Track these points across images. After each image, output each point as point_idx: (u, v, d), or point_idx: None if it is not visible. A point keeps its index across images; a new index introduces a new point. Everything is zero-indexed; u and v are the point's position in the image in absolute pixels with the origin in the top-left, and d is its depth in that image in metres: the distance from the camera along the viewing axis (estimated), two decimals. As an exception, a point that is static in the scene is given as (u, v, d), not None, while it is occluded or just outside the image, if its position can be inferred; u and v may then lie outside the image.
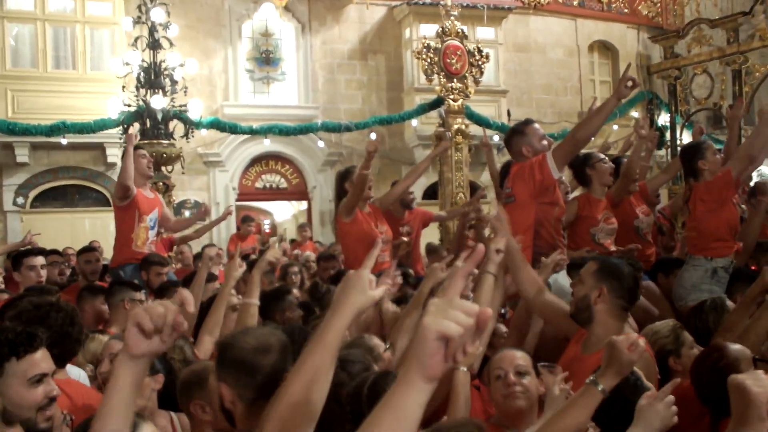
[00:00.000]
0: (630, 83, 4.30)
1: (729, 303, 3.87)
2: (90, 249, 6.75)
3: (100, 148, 12.38)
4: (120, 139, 9.91)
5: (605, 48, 17.15)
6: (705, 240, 5.10)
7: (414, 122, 12.53)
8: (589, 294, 3.17)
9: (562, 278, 4.29)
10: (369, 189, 5.61)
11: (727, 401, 2.83)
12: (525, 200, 4.53)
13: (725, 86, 15.38)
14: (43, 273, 5.82)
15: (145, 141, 9.57)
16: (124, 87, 9.80)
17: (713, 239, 5.02)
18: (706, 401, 2.94)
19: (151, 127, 9.60)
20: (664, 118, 16.48)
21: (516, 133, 4.83)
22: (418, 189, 14.38)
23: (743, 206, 6.16)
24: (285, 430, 1.75)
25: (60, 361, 3.08)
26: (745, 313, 3.58)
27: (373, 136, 13.26)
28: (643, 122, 5.89)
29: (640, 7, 17.02)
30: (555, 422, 2.18)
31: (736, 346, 2.97)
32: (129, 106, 9.66)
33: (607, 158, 5.56)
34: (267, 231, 18.07)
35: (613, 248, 5.29)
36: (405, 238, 6.04)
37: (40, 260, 5.83)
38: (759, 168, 7.31)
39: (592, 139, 4.74)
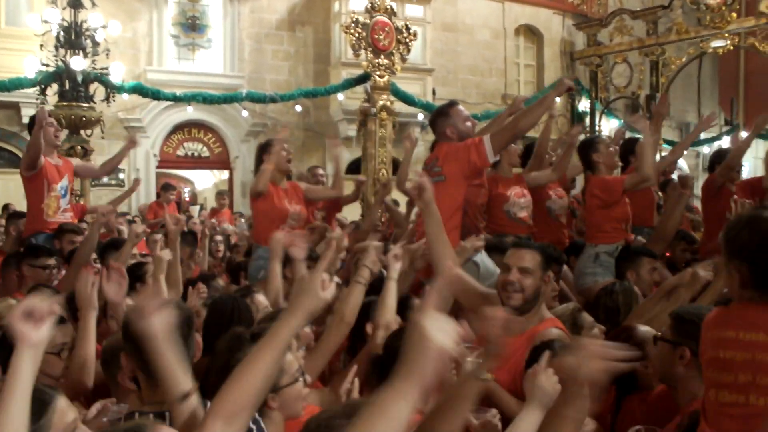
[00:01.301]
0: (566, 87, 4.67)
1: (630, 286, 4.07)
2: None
3: (14, 107, 11.98)
4: (36, 99, 9.58)
5: (531, 32, 17.45)
6: (591, 230, 5.37)
7: (340, 96, 12.52)
8: (539, 283, 3.25)
9: (488, 260, 4.41)
10: (288, 162, 5.54)
11: (633, 379, 2.99)
12: (456, 180, 4.58)
13: (643, 76, 15.93)
14: None
15: (64, 103, 9.33)
16: (42, 45, 9.49)
17: (599, 230, 5.26)
18: (613, 379, 3.09)
19: (70, 89, 9.36)
20: (584, 104, 16.93)
21: (440, 115, 4.89)
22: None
23: (659, 192, 6.39)
24: (229, 419, 1.82)
25: None
26: (657, 303, 3.75)
27: (298, 108, 13.28)
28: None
29: (566, -6, 17.35)
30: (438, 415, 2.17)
31: (644, 328, 3.12)
32: (47, 66, 9.37)
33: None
34: (187, 199, 17.85)
35: (530, 222, 5.53)
36: (318, 223, 5.98)
37: None
38: (677, 161, 7.59)
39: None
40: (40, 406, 1.84)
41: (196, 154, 14.46)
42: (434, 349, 1.48)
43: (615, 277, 4.79)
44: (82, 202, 7.71)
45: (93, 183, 11.16)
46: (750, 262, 2.12)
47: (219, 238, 6.92)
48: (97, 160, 10.00)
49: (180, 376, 2.05)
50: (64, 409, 1.92)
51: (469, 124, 4.80)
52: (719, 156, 6.49)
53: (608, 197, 5.20)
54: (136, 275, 4.14)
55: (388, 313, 3.47)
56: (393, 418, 1.48)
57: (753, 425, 2.05)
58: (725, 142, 17.38)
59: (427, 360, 1.48)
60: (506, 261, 3.30)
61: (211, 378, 2.49)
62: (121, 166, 13.01)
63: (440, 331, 1.51)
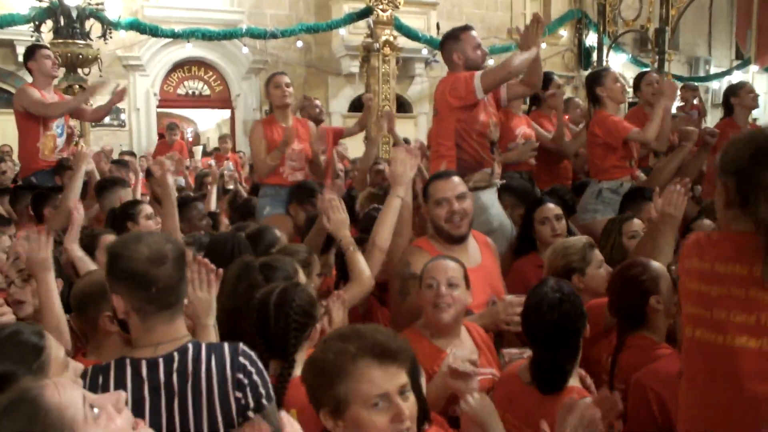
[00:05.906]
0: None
1: (636, 221, 3.96)
2: None
3: (9, 45, 11.73)
4: (31, 36, 9.35)
5: (537, -37, 16.96)
6: (595, 167, 5.23)
7: (342, 31, 12.26)
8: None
9: (486, 197, 4.29)
10: (286, 97, 5.38)
11: (639, 315, 2.91)
12: (444, 114, 4.49)
13: (653, 8, 15.48)
14: None
15: (59, 40, 9.11)
16: (33, -21, 9.25)
17: (602, 167, 5.12)
18: (619, 312, 3.00)
19: (65, 26, 9.10)
20: (592, 39, 16.57)
21: (451, 38, 4.69)
22: (344, 101, 14.27)
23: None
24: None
25: None
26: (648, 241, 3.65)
27: (299, 44, 13.02)
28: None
29: (574, -77, 16.81)
30: None
31: (657, 264, 3.02)
32: (40, 1, 9.12)
33: None
34: (190, 140, 17.70)
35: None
36: (322, 157, 5.82)
37: None
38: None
39: None
40: (33, 346, 1.80)
41: (196, 92, 14.23)
42: None
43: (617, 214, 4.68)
44: (82, 144, 7.51)
45: (93, 124, 11.00)
46: (738, 175, 1.98)
47: (209, 179, 6.56)
48: (97, 100, 9.82)
49: None
50: (54, 345, 1.86)
51: (479, 52, 4.62)
52: (732, 91, 6.31)
53: (609, 140, 5.04)
54: (128, 214, 4.06)
55: (386, 233, 3.38)
56: None
57: (726, 367, 1.91)
58: (736, 77, 17.07)
59: None
60: (443, 195, 3.37)
61: (220, 303, 2.46)
62: (121, 106, 12.84)
63: None
